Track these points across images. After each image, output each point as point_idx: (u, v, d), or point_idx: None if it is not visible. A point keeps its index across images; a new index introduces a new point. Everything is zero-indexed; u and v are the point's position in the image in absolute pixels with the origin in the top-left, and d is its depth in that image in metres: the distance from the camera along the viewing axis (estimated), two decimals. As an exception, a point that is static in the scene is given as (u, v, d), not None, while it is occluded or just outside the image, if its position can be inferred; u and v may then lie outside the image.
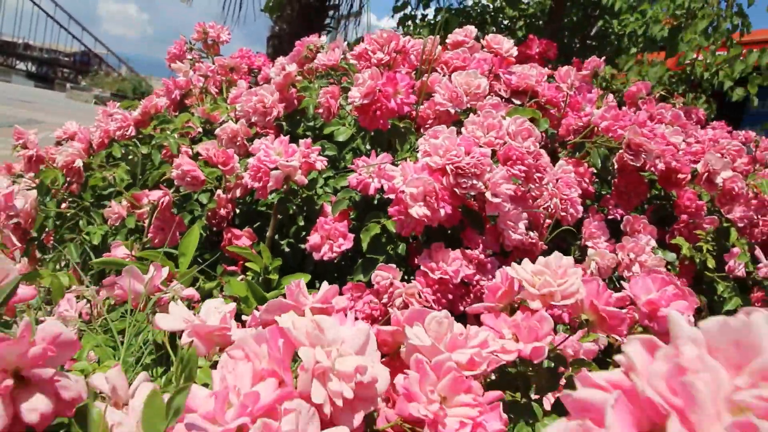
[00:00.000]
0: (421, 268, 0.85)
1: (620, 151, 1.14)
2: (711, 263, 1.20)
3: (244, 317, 0.74)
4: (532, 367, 0.62)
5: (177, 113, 1.42)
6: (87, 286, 0.74)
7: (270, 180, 0.93)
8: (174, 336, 0.61)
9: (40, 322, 0.43)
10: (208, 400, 0.35)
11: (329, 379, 0.39)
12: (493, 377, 0.64)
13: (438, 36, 1.18)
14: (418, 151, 0.88)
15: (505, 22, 3.35)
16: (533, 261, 0.59)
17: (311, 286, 0.67)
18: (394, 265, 0.87)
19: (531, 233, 0.98)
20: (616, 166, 1.22)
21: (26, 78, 12.31)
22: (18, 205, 0.56)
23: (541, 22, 3.19)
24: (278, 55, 1.40)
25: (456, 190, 0.83)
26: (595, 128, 1.16)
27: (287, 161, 0.92)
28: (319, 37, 1.40)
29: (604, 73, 2.08)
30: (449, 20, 3.09)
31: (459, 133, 0.91)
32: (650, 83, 1.67)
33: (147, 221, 1.04)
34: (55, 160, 1.20)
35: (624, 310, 0.60)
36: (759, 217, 1.33)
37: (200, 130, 1.34)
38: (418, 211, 0.81)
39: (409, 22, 3.46)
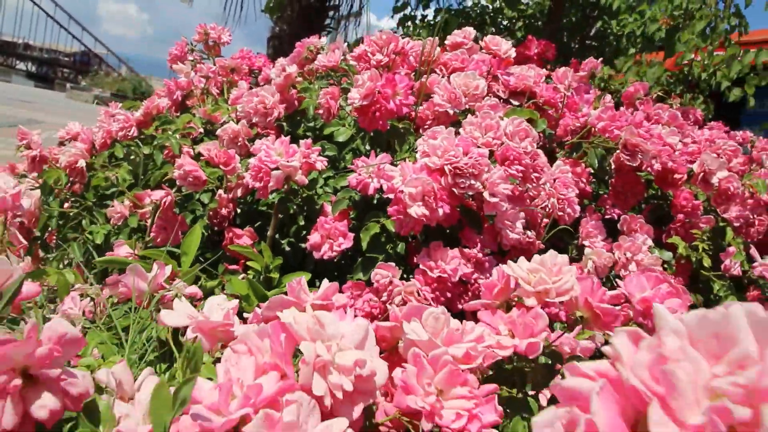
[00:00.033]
0: (420, 266, 0.86)
1: (617, 151, 1.15)
2: (707, 262, 1.21)
3: (245, 315, 0.76)
4: (529, 364, 0.63)
5: (179, 114, 1.43)
6: (91, 284, 0.75)
7: (271, 180, 0.94)
8: (177, 333, 0.63)
9: (47, 320, 0.44)
10: (212, 392, 0.37)
11: (329, 373, 0.40)
12: (491, 373, 0.65)
13: (437, 37, 1.19)
14: (416, 152, 0.90)
15: (504, 22, 3.36)
16: (530, 260, 0.60)
17: (312, 284, 0.68)
18: (393, 264, 0.88)
19: (528, 232, 0.99)
20: (613, 167, 1.23)
21: (26, 78, 12.31)
22: (25, 205, 0.58)
23: (540, 23, 3.20)
24: (279, 56, 1.41)
25: (454, 190, 0.84)
26: (592, 129, 1.17)
27: (288, 161, 0.94)
28: (320, 37, 1.41)
29: (603, 73, 2.09)
30: (449, 21, 3.10)
31: (457, 133, 0.92)
32: (648, 84, 1.68)
33: (149, 221, 1.05)
34: (58, 160, 1.21)
35: (619, 308, 0.61)
36: (755, 216, 1.35)
37: (201, 130, 1.35)
38: (416, 210, 0.82)
39: (409, 23, 3.47)
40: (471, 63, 1.22)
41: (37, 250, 1.22)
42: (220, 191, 1.13)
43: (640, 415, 0.24)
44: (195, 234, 0.86)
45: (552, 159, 1.19)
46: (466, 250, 0.89)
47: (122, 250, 0.98)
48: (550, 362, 0.65)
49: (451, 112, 1.05)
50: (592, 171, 1.22)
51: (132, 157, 1.33)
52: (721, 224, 1.32)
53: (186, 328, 0.58)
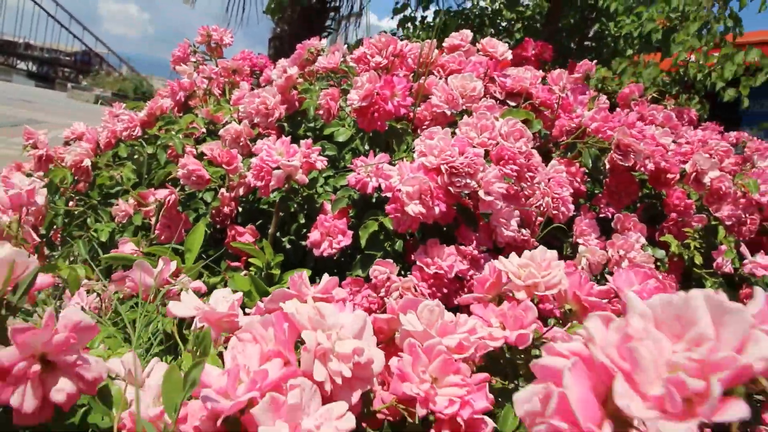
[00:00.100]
0: (417, 263, 0.89)
1: (611, 151, 1.18)
2: (698, 260, 1.23)
3: (247, 311, 0.78)
4: (521, 356, 0.66)
5: (181, 114, 1.46)
6: (99, 280, 0.78)
7: (272, 179, 0.96)
8: (182, 326, 0.65)
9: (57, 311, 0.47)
10: (220, 377, 0.39)
11: (329, 360, 0.43)
12: (484, 365, 0.68)
13: (435, 40, 1.22)
14: (414, 152, 0.92)
15: (503, 24, 3.39)
16: (522, 256, 0.63)
17: (312, 281, 0.70)
18: (391, 261, 0.91)
19: (523, 230, 1.02)
20: (607, 166, 1.25)
21: (27, 77, 12.33)
22: (39, 201, 0.60)
23: (538, 25, 3.23)
24: (280, 57, 1.44)
25: (450, 188, 0.87)
26: (587, 129, 1.20)
27: (289, 161, 0.96)
28: (320, 39, 1.44)
29: (600, 74, 2.12)
30: (448, 23, 3.13)
31: (454, 134, 0.94)
32: (642, 85, 1.71)
33: (154, 219, 1.08)
34: (64, 159, 1.24)
35: (607, 302, 0.64)
36: (747, 215, 1.37)
37: (204, 130, 1.38)
38: (413, 208, 0.85)
39: (409, 24, 3.50)
40: (468, 65, 1.24)
41: (42, 248, 1.25)
42: (223, 190, 1.15)
43: (609, 391, 0.27)
44: (198, 232, 0.88)
45: (548, 159, 1.22)
46: (462, 248, 0.91)
47: (127, 248, 1.00)
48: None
49: (448, 113, 1.07)
50: (587, 171, 1.24)
51: (136, 156, 1.35)
52: (714, 223, 1.34)
53: (191, 321, 0.60)
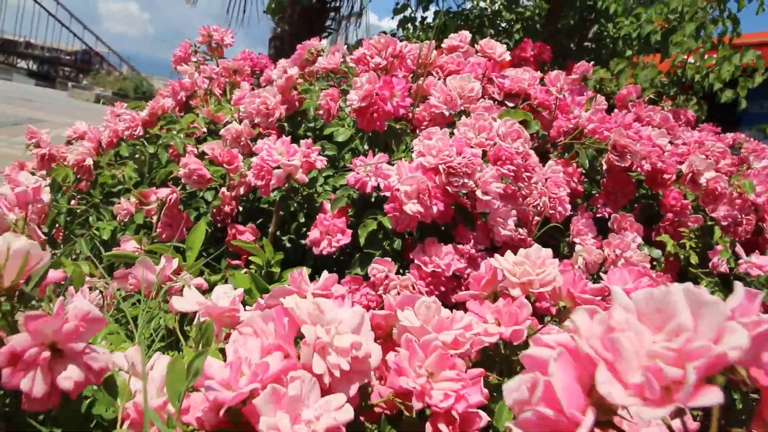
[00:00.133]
0: (415, 261, 0.90)
1: (608, 152, 1.19)
2: (694, 259, 1.25)
3: (247, 308, 0.79)
4: (517, 352, 0.67)
5: (183, 114, 1.47)
6: (102, 277, 0.79)
7: (272, 178, 0.98)
8: (183, 322, 0.67)
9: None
10: (223, 369, 0.41)
11: (328, 353, 0.44)
12: (480, 361, 0.69)
13: (434, 41, 1.23)
14: (413, 152, 0.93)
15: (503, 25, 3.40)
16: (518, 254, 0.64)
17: (311, 279, 0.72)
18: (389, 259, 0.92)
19: (520, 230, 1.03)
20: (604, 167, 1.27)
21: (27, 76, 12.34)
22: (44, 199, 0.62)
23: (538, 26, 3.24)
24: (280, 57, 1.45)
25: (448, 188, 0.88)
26: (584, 130, 1.21)
27: (289, 160, 0.98)
28: (320, 39, 1.45)
29: (599, 75, 2.13)
30: (447, 23, 3.14)
31: (452, 134, 0.96)
32: (640, 86, 1.72)
33: (155, 217, 1.09)
34: (66, 158, 1.25)
35: (600, 299, 0.65)
36: (743, 216, 1.38)
37: (205, 130, 1.39)
38: (411, 208, 0.86)
39: (409, 25, 3.51)
40: (467, 66, 1.26)
41: (44, 247, 1.26)
42: (224, 189, 1.17)
43: (594, 380, 0.28)
44: (199, 230, 0.89)
45: (546, 159, 1.23)
46: (460, 247, 0.93)
47: (129, 246, 1.02)
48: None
49: (446, 113, 1.09)
50: (584, 171, 1.25)
51: (137, 155, 1.37)
52: (710, 223, 1.36)
53: (192, 318, 0.62)
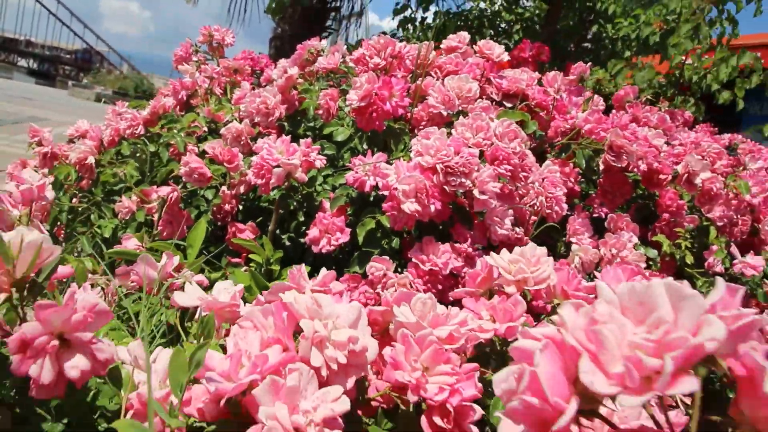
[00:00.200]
0: (413, 260, 0.92)
1: (605, 152, 1.20)
2: (689, 259, 1.26)
3: (247, 305, 0.81)
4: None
5: (183, 113, 1.48)
6: (105, 274, 0.81)
7: (272, 177, 0.99)
8: (184, 317, 0.68)
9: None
10: (223, 361, 0.42)
11: (326, 347, 0.45)
12: (477, 357, 0.70)
13: (433, 41, 1.24)
14: (411, 151, 0.95)
15: (503, 25, 3.42)
16: (513, 252, 0.65)
17: (310, 278, 0.73)
18: (387, 258, 0.94)
19: (517, 229, 1.04)
20: (601, 167, 1.28)
21: (28, 75, 12.33)
22: (49, 196, 0.63)
23: (537, 26, 3.26)
24: (280, 56, 1.47)
25: (446, 187, 0.89)
26: (580, 130, 1.22)
27: (288, 159, 0.99)
28: (320, 39, 1.46)
29: (598, 76, 2.14)
30: (447, 24, 3.15)
31: (450, 134, 0.97)
32: (637, 87, 1.73)
33: (156, 215, 1.10)
34: (68, 156, 1.26)
35: (594, 297, 0.67)
36: (738, 216, 1.40)
37: (206, 129, 1.40)
38: (409, 206, 0.87)
39: (409, 25, 3.52)
40: (465, 66, 1.27)
41: (47, 243, 1.27)
42: (224, 188, 1.18)
43: (579, 371, 0.29)
44: (200, 228, 0.91)
45: (543, 159, 1.24)
46: (457, 245, 0.94)
47: (131, 243, 1.03)
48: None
49: (444, 113, 1.10)
50: (581, 171, 1.27)
51: (138, 154, 1.38)
52: (705, 224, 1.37)
53: (193, 314, 0.63)
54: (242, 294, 0.58)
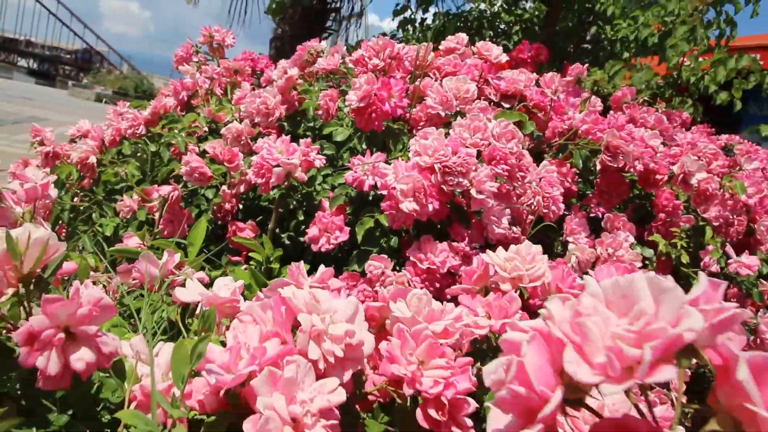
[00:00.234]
0: (411, 258, 0.93)
1: (601, 152, 1.22)
2: (685, 259, 1.27)
3: (247, 302, 0.82)
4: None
5: (184, 113, 1.50)
6: (106, 272, 0.82)
7: (272, 176, 1.00)
8: (185, 314, 0.69)
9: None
10: (223, 353, 0.43)
11: (323, 341, 0.47)
12: (473, 354, 0.72)
13: (431, 42, 1.25)
14: (410, 151, 0.96)
15: (502, 26, 3.43)
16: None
17: (309, 275, 0.74)
18: (386, 256, 0.95)
19: (514, 228, 1.05)
20: (598, 167, 1.29)
21: (28, 75, 12.34)
22: (52, 195, 0.64)
23: (537, 28, 3.27)
24: (280, 57, 1.48)
25: (443, 187, 0.91)
26: (577, 131, 1.24)
27: (288, 159, 1.00)
28: (320, 40, 1.48)
29: (596, 77, 2.16)
30: (446, 25, 3.17)
31: (448, 134, 0.98)
32: (635, 88, 1.74)
33: (157, 214, 1.12)
34: (70, 156, 1.28)
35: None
36: (734, 216, 1.41)
37: (206, 129, 1.42)
38: (407, 206, 0.89)
39: (409, 26, 3.54)
40: (463, 67, 1.28)
41: (49, 242, 1.28)
42: (224, 187, 1.19)
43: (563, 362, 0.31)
44: (200, 227, 0.92)
45: (541, 160, 1.26)
46: (455, 244, 0.95)
47: (132, 242, 1.04)
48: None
49: (442, 114, 1.11)
50: (578, 171, 1.28)
51: (139, 154, 1.39)
52: (701, 224, 1.38)
53: (194, 310, 0.64)
54: (242, 290, 0.59)
